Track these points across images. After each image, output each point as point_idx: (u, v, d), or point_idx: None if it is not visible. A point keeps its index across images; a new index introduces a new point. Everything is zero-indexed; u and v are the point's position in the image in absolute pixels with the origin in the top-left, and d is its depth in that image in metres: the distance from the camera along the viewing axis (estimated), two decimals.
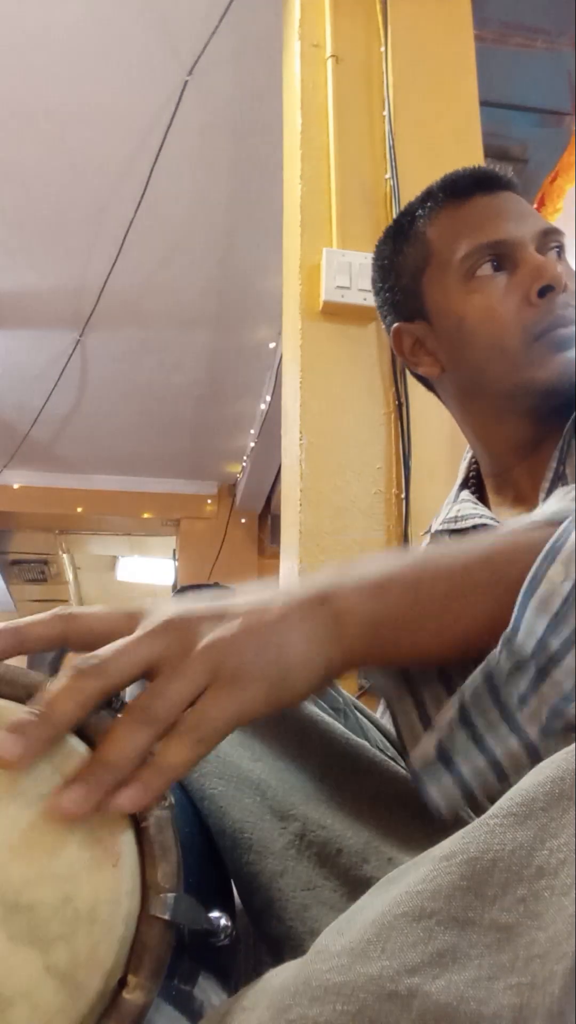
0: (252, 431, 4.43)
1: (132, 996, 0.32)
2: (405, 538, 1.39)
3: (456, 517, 0.79)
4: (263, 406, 4.10)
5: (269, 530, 5.10)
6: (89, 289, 3.20)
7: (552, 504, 0.46)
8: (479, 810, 0.33)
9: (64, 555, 6.22)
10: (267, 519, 5.19)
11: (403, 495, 1.42)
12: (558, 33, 2.11)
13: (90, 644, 0.38)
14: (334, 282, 1.47)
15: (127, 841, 0.35)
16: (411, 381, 1.08)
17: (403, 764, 0.61)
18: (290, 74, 1.72)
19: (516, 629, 0.38)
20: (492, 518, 0.75)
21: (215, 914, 0.37)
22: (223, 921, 0.38)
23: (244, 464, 4.84)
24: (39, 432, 4.34)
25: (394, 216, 1.49)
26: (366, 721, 0.66)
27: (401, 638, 0.41)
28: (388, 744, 0.64)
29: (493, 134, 2.10)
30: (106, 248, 2.95)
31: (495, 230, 0.73)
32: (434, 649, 0.42)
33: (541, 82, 2.20)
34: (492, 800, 0.30)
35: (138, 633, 0.38)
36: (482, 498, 0.82)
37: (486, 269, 0.73)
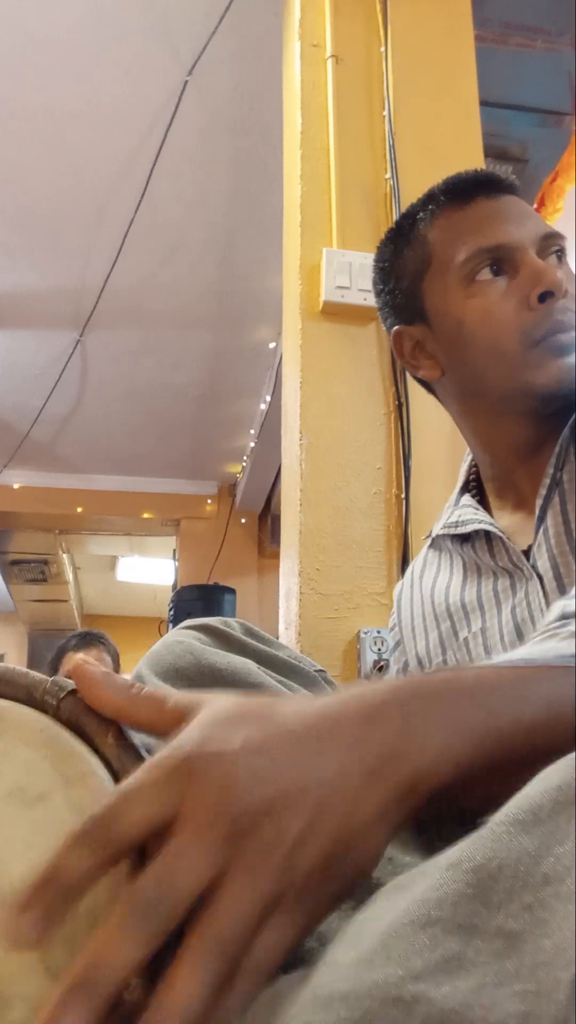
0: (252, 431, 4.43)
1: (131, 997, 0.32)
2: (405, 538, 1.39)
3: (457, 522, 0.79)
4: (263, 406, 4.10)
5: (269, 530, 5.10)
6: (89, 289, 3.20)
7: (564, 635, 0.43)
8: None
9: (64, 555, 6.22)
10: (267, 519, 5.19)
11: (403, 495, 1.42)
12: (558, 33, 2.11)
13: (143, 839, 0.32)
14: (334, 282, 1.47)
15: None
16: (411, 381, 1.08)
17: None
18: (290, 74, 1.72)
19: None
20: (492, 523, 0.75)
21: None
22: None
23: (244, 464, 4.84)
24: (39, 432, 4.34)
25: (394, 216, 1.49)
26: None
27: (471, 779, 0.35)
28: None
29: (493, 134, 2.10)
30: (106, 248, 2.95)
31: (495, 234, 0.73)
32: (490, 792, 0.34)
33: (541, 82, 2.20)
34: None
35: (145, 775, 0.32)
36: (483, 502, 0.82)
37: (486, 273, 0.73)
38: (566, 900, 0.24)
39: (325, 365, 1.48)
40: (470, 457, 0.85)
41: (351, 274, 1.47)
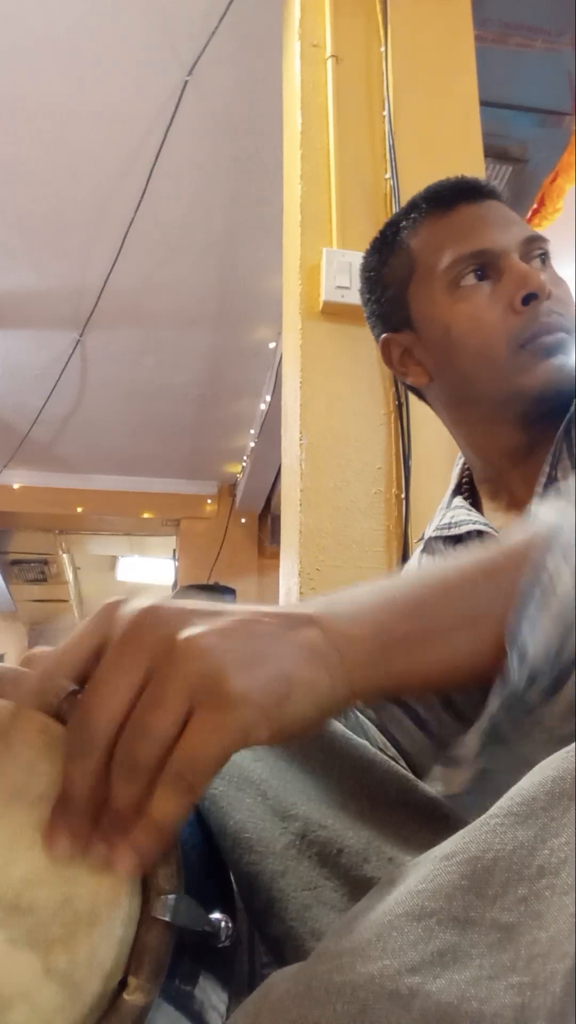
0: (252, 431, 4.43)
1: (132, 998, 0.32)
2: (405, 538, 1.39)
3: (450, 524, 0.80)
4: (263, 406, 4.10)
5: (269, 530, 5.10)
6: (89, 289, 3.20)
7: (546, 512, 0.45)
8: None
9: (64, 555, 6.22)
10: (267, 519, 5.19)
11: (403, 495, 1.42)
12: (558, 33, 2.11)
13: (84, 675, 0.35)
14: (334, 282, 1.47)
15: None
16: None
17: (403, 764, 0.61)
18: (290, 74, 1.72)
19: (523, 640, 0.36)
20: (486, 524, 0.76)
21: (216, 915, 0.37)
22: (224, 922, 0.37)
23: (244, 464, 4.84)
24: (39, 432, 4.34)
25: None
26: (366, 721, 0.66)
27: (410, 663, 0.38)
28: (388, 744, 0.64)
29: (493, 134, 2.10)
30: (106, 248, 2.95)
31: (479, 239, 0.74)
32: (444, 672, 0.38)
33: (541, 82, 2.20)
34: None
35: (112, 653, 0.34)
36: (475, 504, 0.82)
37: (471, 278, 0.73)
38: (561, 893, 0.24)
39: (325, 365, 1.48)
40: (462, 460, 0.85)
41: (351, 274, 1.47)
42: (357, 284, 1.44)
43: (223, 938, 0.37)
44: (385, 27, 1.68)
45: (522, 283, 0.71)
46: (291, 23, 1.75)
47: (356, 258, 1.50)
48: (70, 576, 6.63)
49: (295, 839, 0.49)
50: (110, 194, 2.72)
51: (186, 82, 2.30)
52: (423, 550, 0.87)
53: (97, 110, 2.42)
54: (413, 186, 1.54)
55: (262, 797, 0.51)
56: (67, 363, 3.73)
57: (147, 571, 6.38)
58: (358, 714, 0.66)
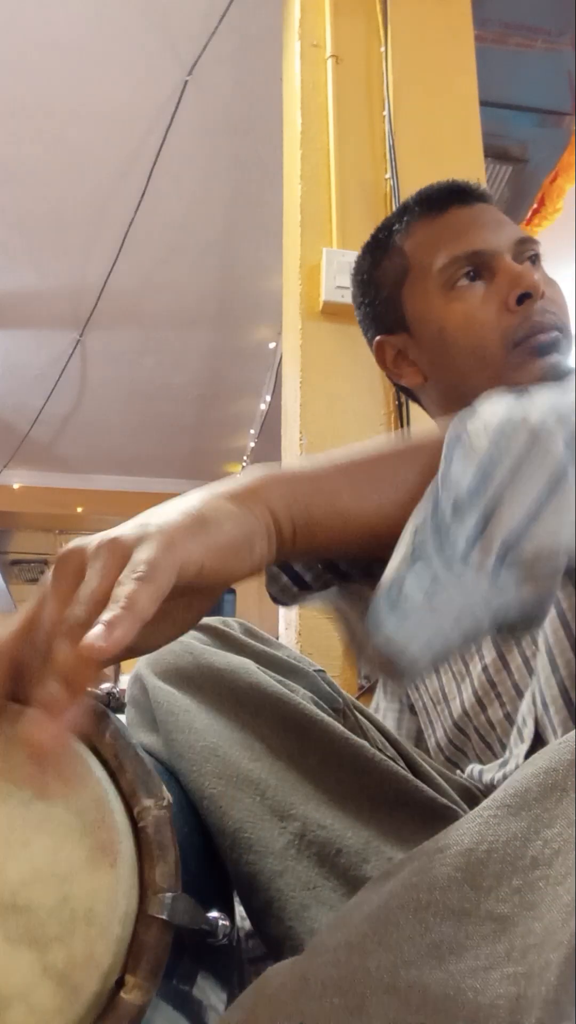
0: (252, 431, 4.43)
1: (130, 996, 0.32)
2: None
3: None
4: (263, 406, 4.10)
5: None
6: (89, 289, 3.20)
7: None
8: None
9: None
10: None
11: None
12: (558, 33, 2.11)
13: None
14: (334, 282, 1.47)
15: (125, 841, 0.34)
16: None
17: (403, 764, 0.61)
18: (290, 74, 1.72)
19: (447, 472, 0.39)
20: None
21: (214, 914, 0.37)
22: (222, 921, 0.37)
23: (244, 464, 4.84)
24: (39, 432, 4.34)
25: None
26: (366, 721, 0.66)
27: (333, 514, 0.41)
28: (388, 744, 0.64)
29: (493, 134, 2.10)
30: (106, 248, 2.95)
31: (472, 240, 0.74)
32: (365, 521, 0.42)
33: (541, 82, 2.20)
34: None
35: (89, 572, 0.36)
36: None
37: (464, 279, 0.74)
38: (554, 883, 0.24)
39: (325, 365, 1.48)
40: None
41: (351, 274, 1.47)
42: None
43: (221, 936, 0.37)
44: (385, 27, 1.68)
45: (516, 283, 0.72)
46: (291, 23, 1.75)
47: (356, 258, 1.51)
48: None
49: (294, 839, 0.49)
50: (110, 194, 2.72)
51: (186, 82, 2.31)
52: None
53: (97, 110, 2.42)
54: (413, 186, 1.54)
55: (261, 797, 0.51)
56: (67, 363, 3.73)
57: None
58: (358, 715, 0.66)
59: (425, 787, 0.54)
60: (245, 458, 4.77)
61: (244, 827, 0.49)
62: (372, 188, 1.58)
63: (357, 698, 0.70)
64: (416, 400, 0.85)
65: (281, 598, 0.56)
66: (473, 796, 0.63)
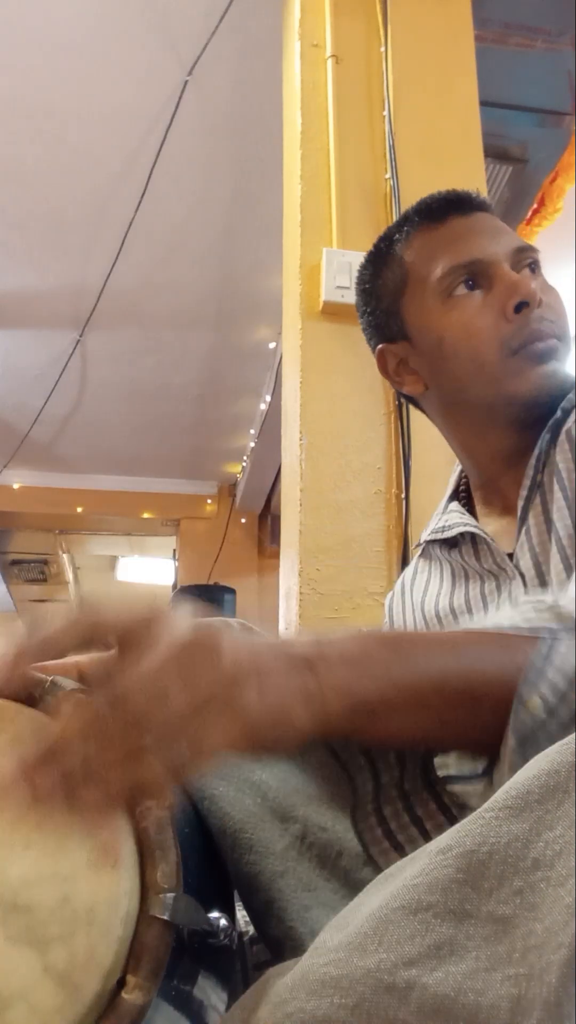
0: (252, 431, 4.43)
1: (131, 996, 0.32)
2: (405, 538, 1.39)
3: (443, 527, 0.82)
4: (263, 406, 4.10)
5: (269, 530, 5.10)
6: (89, 289, 3.20)
7: (514, 613, 0.47)
8: None
9: (64, 555, 6.22)
10: (267, 519, 5.19)
11: (403, 495, 1.42)
12: (558, 33, 2.11)
13: (110, 644, 0.37)
14: (334, 282, 1.47)
15: (126, 841, 0.34)
16: None
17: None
18: (290, 74, 1.72)
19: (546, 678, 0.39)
20: (477, 527, 0.77)
21: (214, 914, 0.37)
22: (222, 921, 0.37)
23: (244, 464, 4.84)
24: (39, 432, 4.34)
25: (394, 216, 1.49)
26: None
27: (377, 720, 0.40)
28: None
29: (493, 134, 2.10)
30: (106, 248, 2.95)
31: (470, 249, 0.75)
32: (405, 735, 0.42)
33: (541, 82, 2.20)
34: None
35: (165, 657, 0.36)
36: (471, 510, 0.84)
37: (462, 288, 0.75)
38: (556, 884, 0.24)
39: (325, 365, 1.48)
40: (459, 467, 0.87)
41: (351, 274, 1.46)
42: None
43: (222, 937, 0.37)
44: (385, 27, 1.68)
45: (513, 291, 0.72)
46: (291, 23, 1.75)
47: (356, 258, 1.50)
48: (70, 576, 6.63)
49: (295, 840, 0.49)
50: (110, 194, 2.72)
51: (186, 82, 2.30)
52: (421, 555, 0.88)
53: (97, 110, 2.42)
54: (413, 186, 1.54)
55: (262, 798, 0.51)
56: (67, 363, 3.73)
57: (147, 571, 6.38)
58: None
59: None
60: (245, 458, 4.77)
61: (245, 828, 0.49)
62: (372, 188, 1.58)
63: None
64: (418, 407, 0.87)
65: None
66: None
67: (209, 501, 5.25)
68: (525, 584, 0.70)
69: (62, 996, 0.31)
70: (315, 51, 1.66)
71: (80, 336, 3.55)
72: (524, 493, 0.72)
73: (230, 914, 0.45)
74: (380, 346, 0.83)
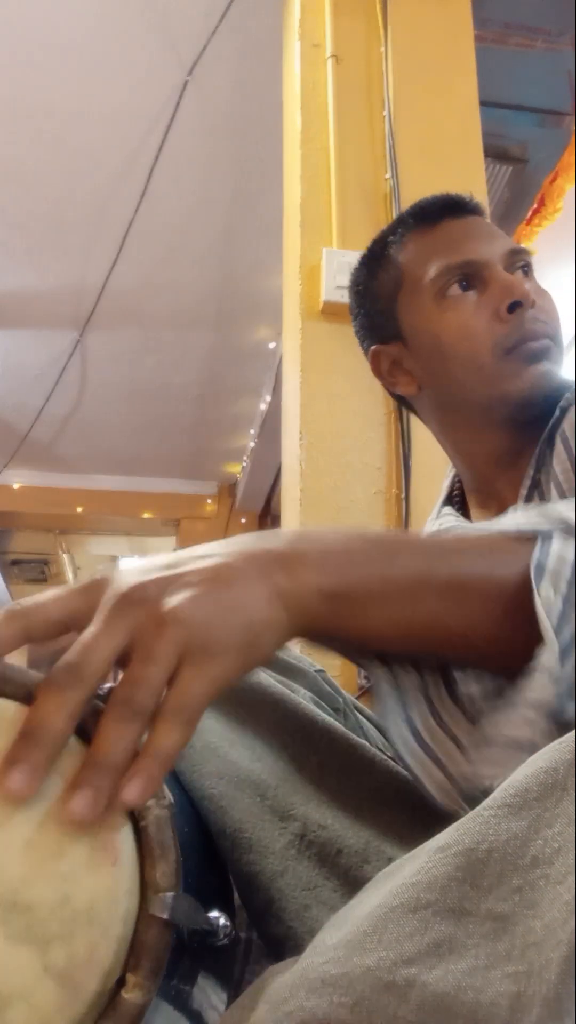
0: (252, 431, 4.43)
1: (131, 996, 0.32)
2: None
3: (438, 532, 0.81)
4: (263, 406, 4.11)
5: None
6: (89, 289, 3.20)
7: (517, 516, 0.47)
8: None
9: (64, 555, 6.22)
10: (267, 519, 5.19)
11: (403, 495, 1.42)
12: (558, 33, 2.12)
13: (53, 634, 0.38)
14: (334, 282, 1.47)
15: (126, 840, 0.34)
16: None
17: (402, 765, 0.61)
18: (290, 74, 1.72)
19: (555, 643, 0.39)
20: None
21: (214, 914, 0.37)
22: (222, 921, 0.37)
23: (244, 464, 4.84)
24: (39, 432, 4.34)
25: (394, 216, 1.49)
26: (366, 721, 0.66)
27: (360, 612, 0.41)
28: (388, 744, 0.64)
29: (493, 134, 2.10)
30: (106, 248, 2.95)
31: (464, 251, 0.76)
32: (393, 632, 0.42)
33: (541, 82, 2.20)
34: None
35: (100, 619, 0.36)
36: (465, 514, 0.84)
37: (456, 289, 0.75)
38: (555, 882, 0.24)
39: (325, 365, 1.48)
40: (453, 472, 0.87)
41: (349, 286, 1.47)
42: None
43: (221, 936, 0.37)
44: (385, 27, 1.68)
45: (507, 292, 0.73)
46: (291, 23, 1.75)
47: (356, 258, 1.51)
48: (70, 576, 6.63)
49: (294, 839, 0.49)
50: (110, 194, 2.72)
51: (186, 82, 2.31)
52: None
53: (97, 110, 2.42)
54: (413, 186, 1.54)
55: (261, 797, 0.51)
56: (67, 363, 3.73)
57: None
58: (358, 715, 0.67)
59: None
60: (245, 458, 4.77)
61: (244, 827, 0.49)
62: (372, 188, 1.58)
63: (357, 698, 0.70)
64: (411, 409, 0.87)
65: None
66: (473, 796, 0.63)
67: (209, 501, 5.26)
68: None
69: (62, 995, 0.31)
70: (315, 51, 1.67)
71: (80, 336, 3.55)
72: (524, 492, 0.72)
73: (230, 913, 0.45)
74: (373, 347, 0.84)
